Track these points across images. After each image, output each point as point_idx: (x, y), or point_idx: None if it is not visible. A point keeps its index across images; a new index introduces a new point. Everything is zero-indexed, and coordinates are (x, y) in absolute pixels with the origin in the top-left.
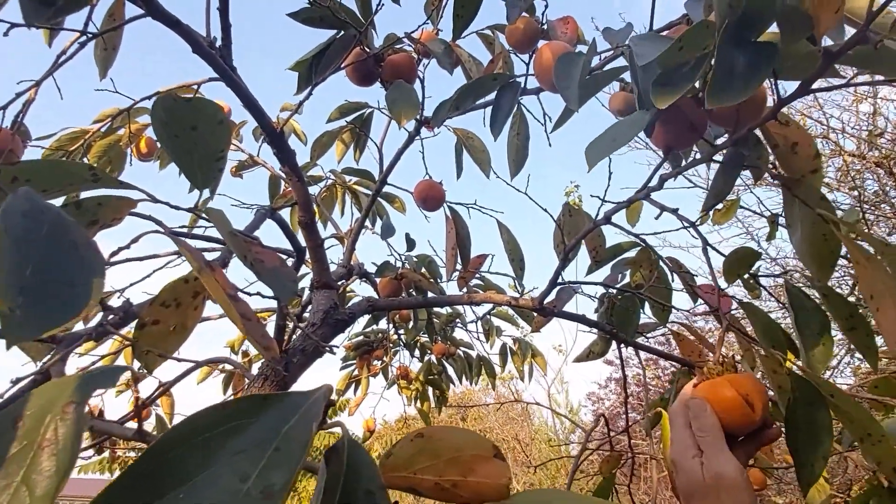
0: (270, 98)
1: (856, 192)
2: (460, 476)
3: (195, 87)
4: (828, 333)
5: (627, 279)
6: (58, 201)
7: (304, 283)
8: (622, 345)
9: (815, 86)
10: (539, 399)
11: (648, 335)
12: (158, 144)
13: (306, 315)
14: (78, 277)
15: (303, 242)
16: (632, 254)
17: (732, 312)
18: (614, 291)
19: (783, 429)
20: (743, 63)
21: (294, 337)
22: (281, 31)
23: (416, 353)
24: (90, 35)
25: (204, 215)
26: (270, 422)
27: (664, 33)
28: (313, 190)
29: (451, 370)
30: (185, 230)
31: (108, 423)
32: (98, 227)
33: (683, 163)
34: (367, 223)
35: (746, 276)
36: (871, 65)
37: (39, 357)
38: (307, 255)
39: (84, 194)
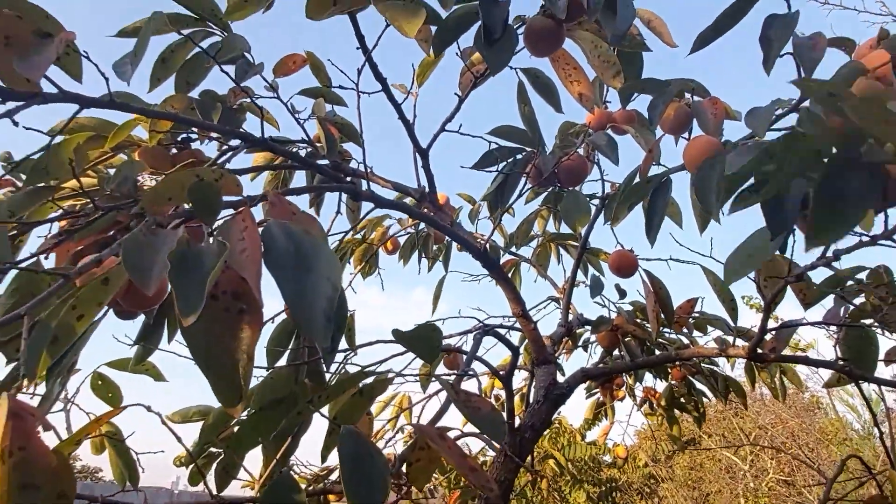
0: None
1: None
2: None
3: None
4: None
5: (859, 301)
6: None
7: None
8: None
9: None
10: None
11: None
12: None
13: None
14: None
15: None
16: (860, 276)
17: None
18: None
19: None
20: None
21: (523, 414)
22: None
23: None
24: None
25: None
26: None
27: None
28: (526, 251)
29: (699, 384)
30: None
31: None
32: None
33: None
34: (580, 274)
35: None
36: None
37: None
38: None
39: None
